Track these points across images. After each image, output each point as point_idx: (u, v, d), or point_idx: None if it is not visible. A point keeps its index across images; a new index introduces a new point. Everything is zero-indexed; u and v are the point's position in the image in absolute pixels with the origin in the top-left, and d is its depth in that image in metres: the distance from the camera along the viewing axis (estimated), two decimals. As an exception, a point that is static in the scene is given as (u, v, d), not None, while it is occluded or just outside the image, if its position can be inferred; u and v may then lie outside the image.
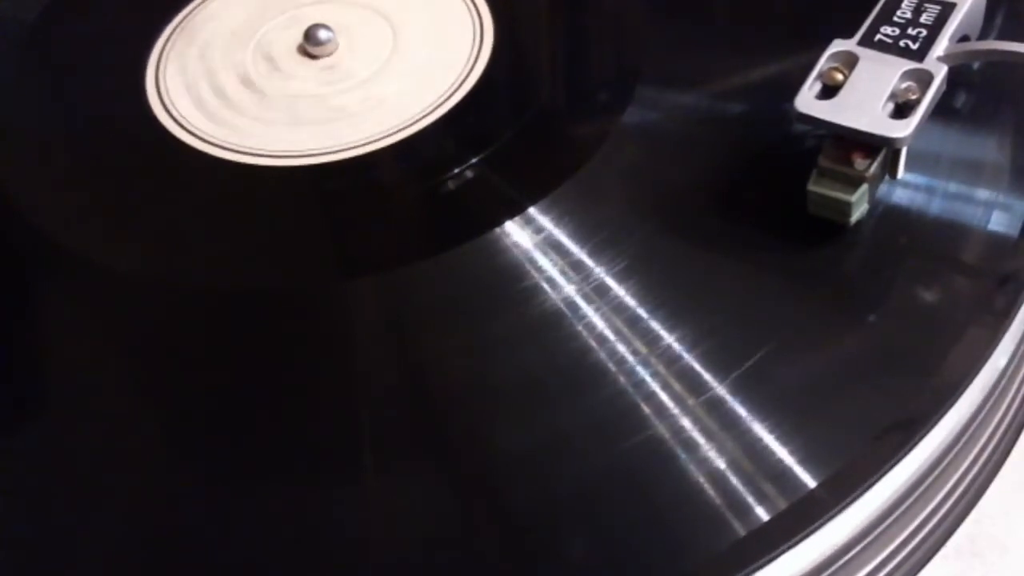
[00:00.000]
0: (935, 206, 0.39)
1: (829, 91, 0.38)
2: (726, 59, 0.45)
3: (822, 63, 0.38)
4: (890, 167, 0.38)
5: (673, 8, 0.48)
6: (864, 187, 0.37)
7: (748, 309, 0.37)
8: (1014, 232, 0.38)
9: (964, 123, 0.42)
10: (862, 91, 0.37)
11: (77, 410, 0.38)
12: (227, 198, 0.43)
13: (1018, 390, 0.40)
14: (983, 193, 0.39)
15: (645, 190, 0.41)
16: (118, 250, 0.42)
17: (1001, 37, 0.42)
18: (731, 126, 0.43)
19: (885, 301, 0.37)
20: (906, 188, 0.39)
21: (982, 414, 0.37)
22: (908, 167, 0.38)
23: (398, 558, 0.33)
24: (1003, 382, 0.38)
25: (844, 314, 0.37)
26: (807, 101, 0.37)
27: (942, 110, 0.38)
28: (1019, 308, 0.37)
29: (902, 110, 0.37)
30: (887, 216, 0.39)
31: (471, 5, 0.48)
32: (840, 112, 0.37)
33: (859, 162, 0.37)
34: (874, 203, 0.38)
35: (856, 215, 0.38)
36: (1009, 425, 0.40)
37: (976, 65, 0.42)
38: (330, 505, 0.35)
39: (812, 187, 0.37)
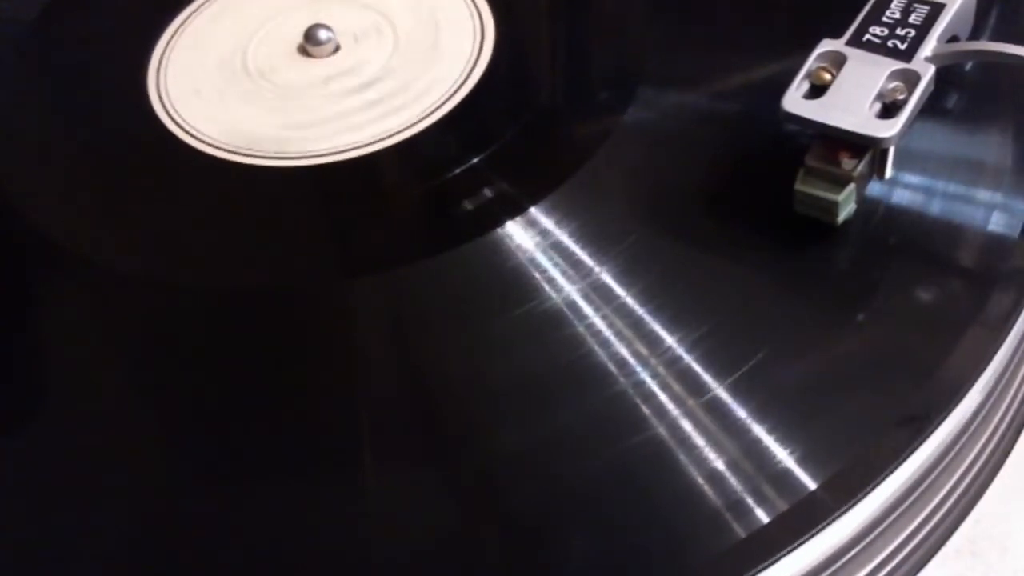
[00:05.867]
0: (934, 206, 0.39)
1: (817, 91, 0.38)
2: (727, 59, 0.45)
3: (810, 63, 0.38)
4: (877, 167, 0.38)
5: (673, 8, 0.48)
6: (851, 187, 0.37)
7: (749, 309, 0.37)
8: (1012, 232, 0.38)
9: (957, 123, 0.42)
10: (849, 91, 0.37)
11: (77, 410, 0.38)
12: (227, 198, 0.43)
13: (1018, 390, 0.40)
14: (980, 193, 0.39)
15: (646, 190, 0.41)
16: (118, 250, 0.42)
17: (993, 37, 0.42)
18: (733, 126, 0.43)
19: (885, 302, 0.37)
20: (906, 188, 0.39)
21: (982, 414, 0.37)
22: (907, 166, 0.38)
23: (398, 558, 0.33)
24: (1003, 382, 0.38)
25: (845, 315, 0.37)
26: (794, 100, 0.37)
27: (935, 110, 0.38)
28: (1018, 308, 0.37)
29: (889, 110, 0.37)
30: (887, 217, 0.39)
31: (472, 5, 0.48)
32: (827, 112, 0.37)
33: (846, 162, 0.37)
34: (874, 204, 0.38)
35: (843, 215, 0.37)
36: (1009, 425, 0.40)
37: (968, 65, 0.42)
38: (330, 505, 0.35)
39: (799, 186, 0.37)
